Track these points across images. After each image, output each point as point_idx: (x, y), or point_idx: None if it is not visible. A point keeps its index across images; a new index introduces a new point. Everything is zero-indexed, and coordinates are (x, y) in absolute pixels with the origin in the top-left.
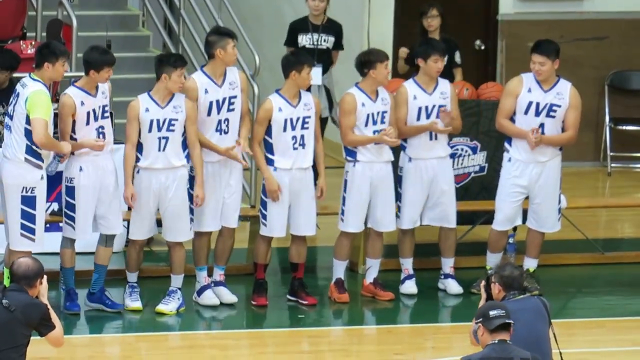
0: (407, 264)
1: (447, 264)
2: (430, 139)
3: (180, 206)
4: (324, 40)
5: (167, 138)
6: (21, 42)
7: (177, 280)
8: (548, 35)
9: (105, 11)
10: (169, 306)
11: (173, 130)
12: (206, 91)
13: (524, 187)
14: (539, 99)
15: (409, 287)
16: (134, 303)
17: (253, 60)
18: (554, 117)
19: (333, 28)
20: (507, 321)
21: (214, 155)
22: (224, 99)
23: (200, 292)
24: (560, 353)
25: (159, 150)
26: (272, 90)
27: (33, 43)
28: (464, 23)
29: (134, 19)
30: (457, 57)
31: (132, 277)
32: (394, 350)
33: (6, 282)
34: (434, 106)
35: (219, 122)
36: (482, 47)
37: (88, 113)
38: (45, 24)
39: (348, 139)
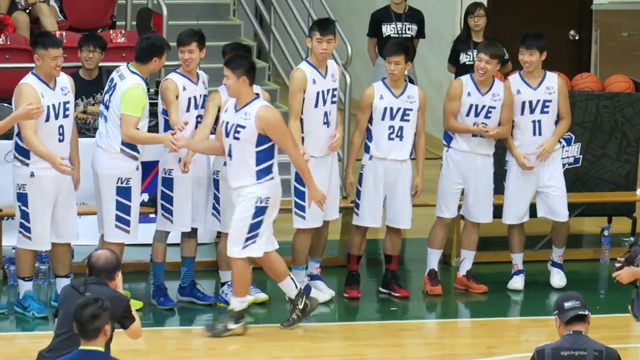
0: (517, 259)
1: (556, 253)
2: (534, 134)
3: None
4: (408, 29)
5: None
6: (111, 31)
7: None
8: None
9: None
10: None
11: None
12: (314, 82)
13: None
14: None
15: (516, 282)
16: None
17: (345, 49)
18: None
19: (415, 16)
20: (581, 312)
21: (322, 149)
22: (328, 90)
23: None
24: None
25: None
26: (364, 79)
27: (123, 32)
28: (558, 13)
29: (224, 8)
30: (506, 55)
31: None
32: (488, 344)
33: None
34: (538, 101)
35: (325, 114)
36: (577, 37)
37: (189, 99)
38: (135, 13)
39: (449, 124)
